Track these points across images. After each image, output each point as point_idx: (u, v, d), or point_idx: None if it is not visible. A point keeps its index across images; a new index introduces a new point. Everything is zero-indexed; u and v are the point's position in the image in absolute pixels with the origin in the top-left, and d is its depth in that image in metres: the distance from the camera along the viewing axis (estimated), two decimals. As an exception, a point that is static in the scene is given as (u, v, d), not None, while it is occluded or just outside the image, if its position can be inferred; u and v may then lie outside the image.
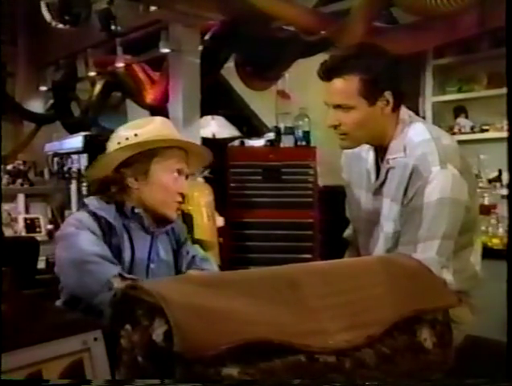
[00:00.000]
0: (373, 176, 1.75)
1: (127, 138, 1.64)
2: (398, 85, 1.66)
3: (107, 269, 1.48)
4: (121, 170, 1.63)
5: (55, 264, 1.61)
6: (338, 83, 1.60)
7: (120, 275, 1.48)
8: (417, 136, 1.64)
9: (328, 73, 1.62)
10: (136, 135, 1.64)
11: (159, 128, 1.67)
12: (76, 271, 1.52)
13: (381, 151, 1.71)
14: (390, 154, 1.66)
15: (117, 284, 1.42)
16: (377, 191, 1.71)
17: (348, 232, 1.98)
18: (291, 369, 0.95)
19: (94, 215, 1.61)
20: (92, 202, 1.65)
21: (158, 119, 1.74)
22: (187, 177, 1.71)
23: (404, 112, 1.69)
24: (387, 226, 1.67)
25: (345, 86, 1.59)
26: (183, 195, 1.67)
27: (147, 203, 1.65)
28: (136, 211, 1.64)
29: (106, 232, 1.59)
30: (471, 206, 1.63)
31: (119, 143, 1.64)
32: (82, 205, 1.68)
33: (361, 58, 1.63)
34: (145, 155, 1.63)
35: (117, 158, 1.64)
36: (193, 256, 1.79)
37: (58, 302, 1.60)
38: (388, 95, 1.61)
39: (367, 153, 1.77)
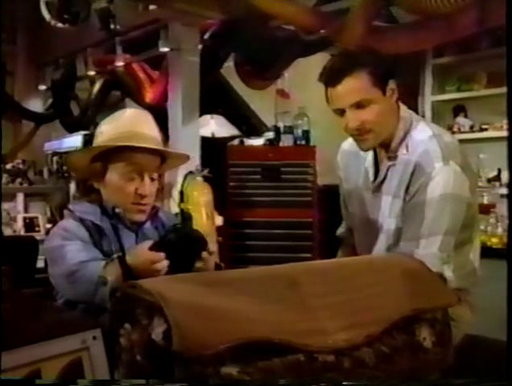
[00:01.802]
0: (371, 175, 1.74)
1: (96, 136, 1.64)
2: (396, 74, 1.66)
3: (95, 268, 1.46)
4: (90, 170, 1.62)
5: (49, 275, 1.59)
6: (350, 81, 1.58)
7: (105, 264, 1.45)
8: (419, 134, 1.65)
9: (337, 75, 1.59)
10: (102, 133, 1.63)
11: (126, 124, 1.62)
12: (68, 283, 1.50)
13: (381, 149, 1.71)
14: (392, 152, 1.67)
15: (109, 274, 1.40)
16: (377, 189, 1.71)
17: (341, 230, 1.97)
18: (290, 368, 0.95)
19: (80, 220, 1.59)
20: (76, 207, 1.63)
21: (128, 113, 1.69)
22: (153, 179, 1.62)
23: (404, 109, 1.69)
24: (388, 223, 1.66)
25: (359, 82, 1.58)
26: (141, 196, 1.59)
27: (110, 204, 1.61)
28: (116, 210, 1.61)
29: (94, 235, 1.58)
30: (471, 202, 1.64)
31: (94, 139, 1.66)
32: (67, 211, 1.65)
33: (362, 54, 1.67)
34: (104, 155, 1.59)
35: (79, 160, 1.63)
36: None
37: (60, 302, 1.59)
38: (392, 84, 1.63)
39: (366, 152, 1.77)
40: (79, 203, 1.65)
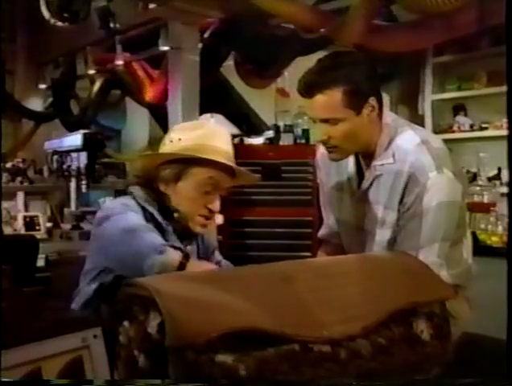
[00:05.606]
0: (354, 181, 1.72)
1: (171, 141, 1.59)
2: (379, 89, 1.64)
3: (157, 238, 1.45)
4: (159, 170, 1.58)
5: (93, 245, 1.56)
6: (321, 98, 1.56)
7: (171, 246, 1.44)
8: (406, 141, 1.62)
9: (308, 90, 1.58)
10: (180, 140, 1.58)
11: (206, 136, 1.58)
12: (128, 237, 1.45)
13: (365, 157, 1.69)
14: (378, 161, 1.64)
15: (171, 253, 1.39)
16: (362, 197, 1.69)
17: (322, 232, 1.98)
18: (285, 358, 0.96)
19: (139, 204, 1.57)
20: (138, 192, 1.59)
21: (211, 126, 1.68)
22: (222, 195, 1.59)
23: (386, 115, 1.66)
24: (382, 234, 1.65)
25: (329, 100, 1.55)
26: (210, 211, 1.58)
27: (173, 208, 1.58)
28: (175, 215, 1.58)
29: (150, 222, 1.54)
30: (463, 204, 1.64)
31: (164, 144, 1.61)
32: (125, 192, 1.62)
33: (339, 68, 1.58)
34: (180, 162, 1.56)
35: (155, 161, 1.59)
36: (218, 262, 1.78)
37: (90, 289, 1.54)
38: (372, 101, 1.59)
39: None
40: (140, 190, 1.60)
